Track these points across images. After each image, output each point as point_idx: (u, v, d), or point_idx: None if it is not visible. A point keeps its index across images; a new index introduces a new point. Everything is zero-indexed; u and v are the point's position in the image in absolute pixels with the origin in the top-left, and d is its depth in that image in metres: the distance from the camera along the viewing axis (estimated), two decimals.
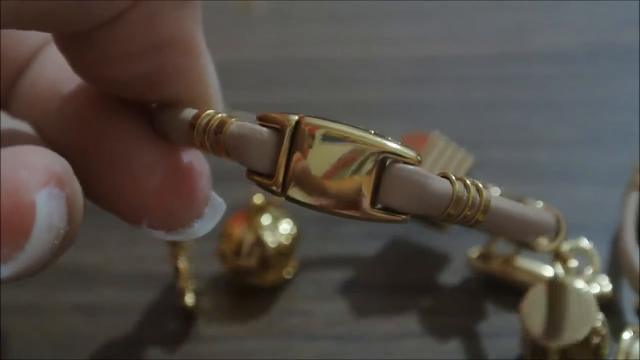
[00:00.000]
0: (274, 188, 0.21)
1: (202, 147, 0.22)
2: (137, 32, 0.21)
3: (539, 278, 0.29)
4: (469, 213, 0.22)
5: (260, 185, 0.21)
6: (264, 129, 0.21)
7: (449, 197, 0.21)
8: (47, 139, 0.23)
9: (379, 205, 0.21)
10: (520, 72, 0.39)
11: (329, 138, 0.21)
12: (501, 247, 0.31)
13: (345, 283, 0.32)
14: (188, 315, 0.31)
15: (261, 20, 0.39)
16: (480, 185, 0.22)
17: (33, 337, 0.30)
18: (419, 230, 0.33)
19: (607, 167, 0.34)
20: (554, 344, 0.26)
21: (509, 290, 0.30)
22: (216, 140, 0.21)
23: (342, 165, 0.21)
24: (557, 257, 0.28)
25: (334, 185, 0.21)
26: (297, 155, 0.21)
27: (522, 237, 0.26)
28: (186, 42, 0.22)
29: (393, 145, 0.21)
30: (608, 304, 0.28)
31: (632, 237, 0.29)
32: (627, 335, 0.27)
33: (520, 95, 0.38)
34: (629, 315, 0.29)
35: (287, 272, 0.32)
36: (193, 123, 0.22)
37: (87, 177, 0.22)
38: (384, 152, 0.21)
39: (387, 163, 0.21)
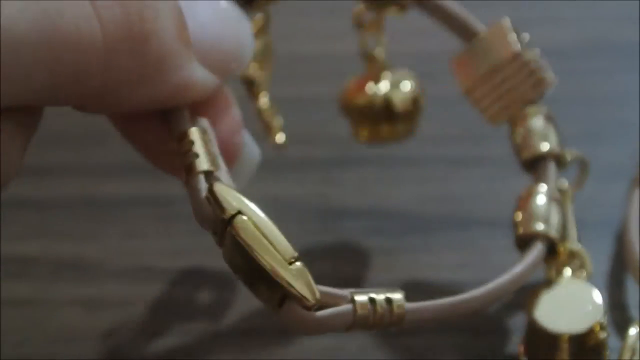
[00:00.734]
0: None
1: None
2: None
3: None
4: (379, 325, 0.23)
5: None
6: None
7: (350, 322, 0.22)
8: None
9: None
10: None
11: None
12: None
13: (345, 279, 0.32)
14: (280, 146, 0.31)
15: None
16: (395, 300, 0.23)
17: (31, 332, 0.30)
18: None
19: (607, 163, 0.34)
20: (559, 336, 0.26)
21: None
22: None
23: None
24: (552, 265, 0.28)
25: None
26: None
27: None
28: None
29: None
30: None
31: (636, 233, 0.29)
32: (633, 331, 0.26)
33: None
34: (634, 310, 0.29)
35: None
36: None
37: None
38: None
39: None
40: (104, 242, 0.33)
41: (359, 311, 0.22)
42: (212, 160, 0.23)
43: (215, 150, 0.24)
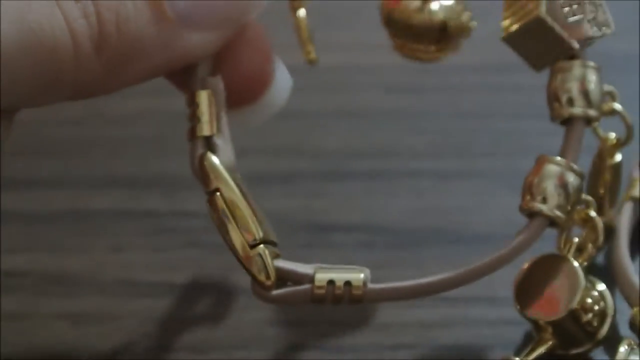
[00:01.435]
0: None
1: None
2: None
3: None
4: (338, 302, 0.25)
5: None
6: None
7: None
8: None
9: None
10: (512, 80, 0.39)
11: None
12: None
13: None
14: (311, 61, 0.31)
15: None
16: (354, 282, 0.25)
17: (16, 346, 0.30)
18: None
19: None
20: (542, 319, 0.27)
21: None
22: None
23: None
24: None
25: None
26: None
27: None
28: None
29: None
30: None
31: (625, 250, 0.29)
32: (622, 348, 0.26)
33: (512, 104, 0.38)
34: (623, 328, 0.29)
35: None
36: None
37: None
38: None
39: None
40: (91, 255, 0.33)
41: (316, 291, 0.24)
42: (214, 124, 0.25)
43: (221, 112, 0.25)
